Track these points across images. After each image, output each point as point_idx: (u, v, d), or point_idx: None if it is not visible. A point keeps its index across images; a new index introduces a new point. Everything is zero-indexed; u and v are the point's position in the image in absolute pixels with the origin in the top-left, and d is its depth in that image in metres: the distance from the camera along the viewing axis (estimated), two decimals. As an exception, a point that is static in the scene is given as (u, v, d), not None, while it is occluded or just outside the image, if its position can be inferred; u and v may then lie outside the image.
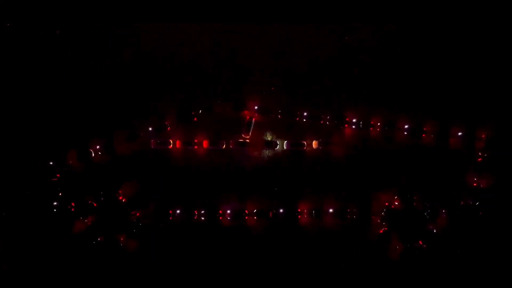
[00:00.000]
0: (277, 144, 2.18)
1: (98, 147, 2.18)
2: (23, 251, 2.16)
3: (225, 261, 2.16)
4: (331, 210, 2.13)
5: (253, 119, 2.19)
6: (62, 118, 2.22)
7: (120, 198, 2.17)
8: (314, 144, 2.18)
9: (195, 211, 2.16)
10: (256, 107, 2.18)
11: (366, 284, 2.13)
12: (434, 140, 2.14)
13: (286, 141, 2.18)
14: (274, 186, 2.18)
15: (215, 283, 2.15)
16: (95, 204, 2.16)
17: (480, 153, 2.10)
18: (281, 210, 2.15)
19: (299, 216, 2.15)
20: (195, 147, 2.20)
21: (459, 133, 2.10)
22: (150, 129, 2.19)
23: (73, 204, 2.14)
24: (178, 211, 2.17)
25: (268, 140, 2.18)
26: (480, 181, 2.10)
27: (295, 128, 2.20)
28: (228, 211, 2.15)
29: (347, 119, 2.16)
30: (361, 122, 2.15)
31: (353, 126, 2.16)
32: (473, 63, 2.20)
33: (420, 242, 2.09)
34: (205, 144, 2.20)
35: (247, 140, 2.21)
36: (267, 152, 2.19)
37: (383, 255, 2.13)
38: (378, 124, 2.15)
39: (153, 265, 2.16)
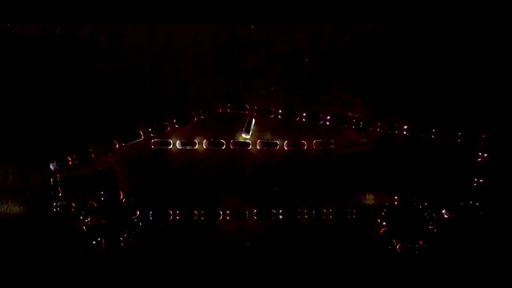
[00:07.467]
0: (277, 144, 2.19)
1: (98, 147, 2.18)
2: (23, 251, 2.15)
3: (224, 260, 2.15)
4: (331, 210, 2.13)
5: (253, 120, 2.19)
6: (62, 118, 2.21)
7: (120, 198, 2.17)
8: (314, 144, 2.18)
9: (195, 211, 2.16)
10: (256, 107, 2.18)
11: (367, 283, 2.13)
12: (434, 141, 2.14)
13: (286, 141, 2.18)
14: (274, 186, 2.18)
15: (215, 283, 2.14)
16: (95, 205, 2.16)
17: (480, 153, 2.10)
18: (281, 210, 2.15)
19: (299, 216, 2.15)
20: (195, 147, 2.19)
21: (459, 133, 2.10)
22: (150, 129, 2.19)
23: (73, 204, 2.14)
24: (178, 211, 2.17)
25: (268, 140, 2.19)
26: (480, 181, 2.10)
27: (295, 128, 2.19)
28: (228, 211, 2.15)
29: (347, 119, 2.16)
30: (361, 122, 2.15)
31: (353, 126, 2.16)
32: (474, 63, 2.20)
33: (420, 242, 2.09)
34: (205, 144, 2.19)
35: (247, 140, 2.21)
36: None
37: (383, 255, 2.12)
38: (379, 124, 2.15)
39: (153, 265, 2.16)
